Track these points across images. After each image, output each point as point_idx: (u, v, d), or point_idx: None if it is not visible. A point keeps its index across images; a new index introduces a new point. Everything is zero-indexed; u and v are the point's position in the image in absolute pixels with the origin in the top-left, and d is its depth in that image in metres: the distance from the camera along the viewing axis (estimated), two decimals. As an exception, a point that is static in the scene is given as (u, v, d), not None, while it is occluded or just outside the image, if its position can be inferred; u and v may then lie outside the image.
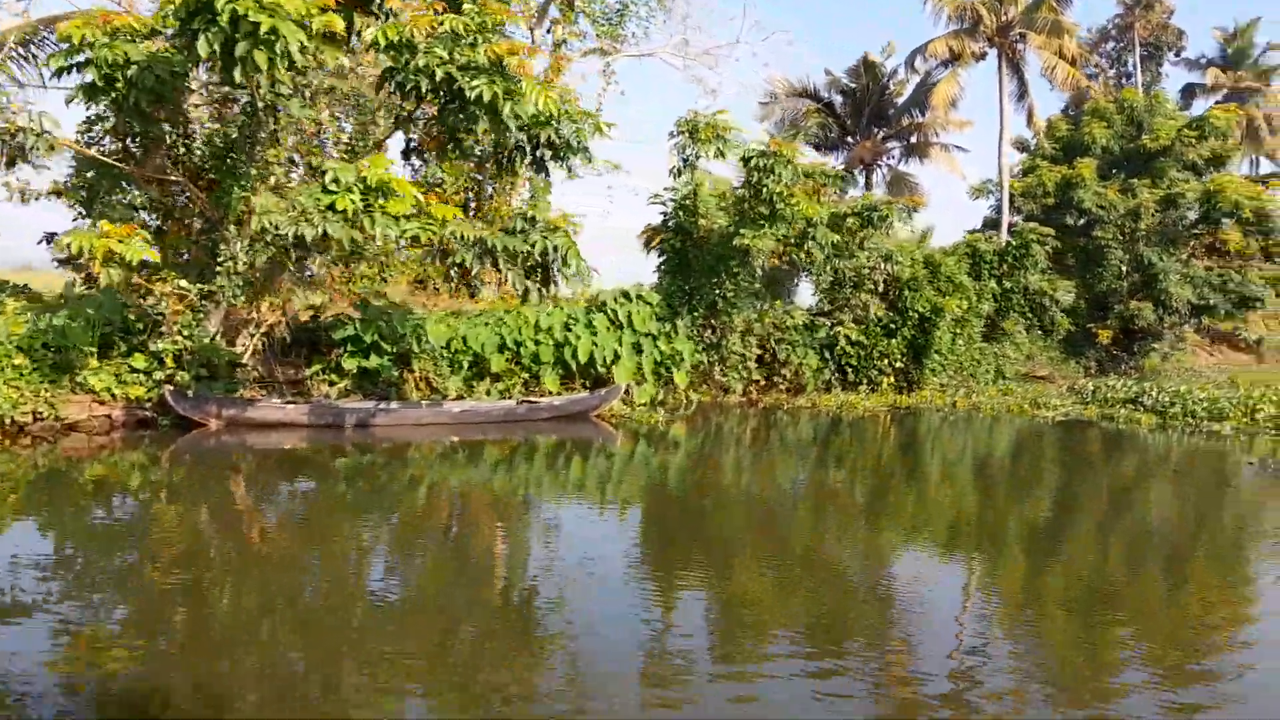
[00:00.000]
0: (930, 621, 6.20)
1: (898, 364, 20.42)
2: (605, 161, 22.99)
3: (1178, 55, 46.70)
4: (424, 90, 10.21)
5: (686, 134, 16.89)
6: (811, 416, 17.90)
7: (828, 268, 18.68)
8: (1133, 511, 11.03)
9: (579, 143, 11.60)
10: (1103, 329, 28.41)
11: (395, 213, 10.13)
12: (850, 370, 20.50)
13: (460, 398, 15.05)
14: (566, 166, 11.90)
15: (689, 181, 18.47)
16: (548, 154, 11.33)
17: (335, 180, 9.48)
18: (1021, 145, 33.18)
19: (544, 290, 12.03)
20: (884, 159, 32.51)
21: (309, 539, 8.15)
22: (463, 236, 9.97)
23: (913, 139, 32.43)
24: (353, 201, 9.42)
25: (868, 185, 32.47)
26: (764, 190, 16.76)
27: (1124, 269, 29.31)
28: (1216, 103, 46.71)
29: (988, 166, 29.18)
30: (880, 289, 19.86)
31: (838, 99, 32.36)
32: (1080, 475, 13.64)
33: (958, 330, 21.18)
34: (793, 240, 17.61)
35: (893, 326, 20.41)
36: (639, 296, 17.67)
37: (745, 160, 17.13)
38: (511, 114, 10.08)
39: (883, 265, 19.38)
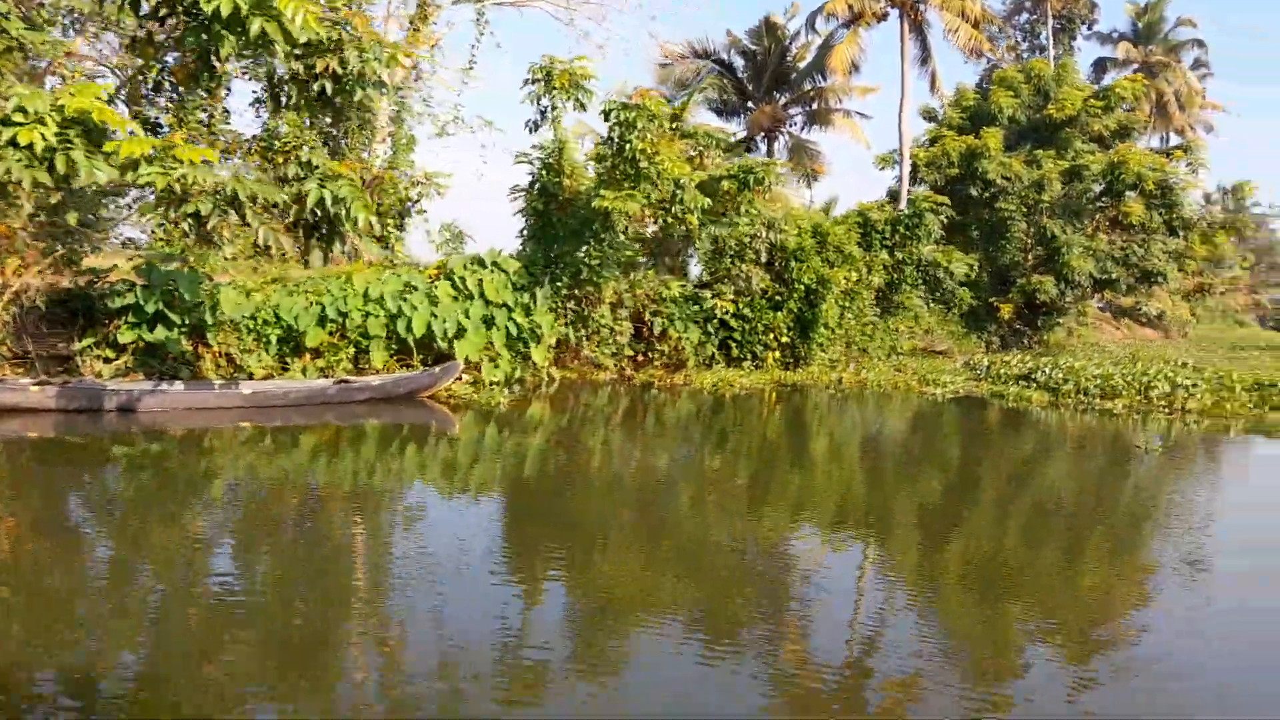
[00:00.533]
0: (798, 608, 6.09)
1: (784, 339, 19.12)
2: (480, 119, 21.00)
3: (1090, 29, 46.49)
4: (154, 5, 8.33)
5: (541, 82, 15.14)
6: (685, 395, 16.47)
7: (703, 235, 17.18)
8: (1007, 492, 9.85)
9: (374, 77, 9.80)
10: (1004, 303, 27.67)
11: (130, 154, 8.21)
12: (734, 345, 19.14)
13: (269, 377, 13.18)
14: (353, 104, 10.10)
15: (555, 139, 16.76)
16: (329, 86, 9.53)
17: (20, 109, 7.59)
18: (929, 115, 32.21)
19: (328, 251, 10.26)
20: (786, 126, 31.18)
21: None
22: (195, 181, 8.12)
23: (815, 105, 31.12)
24: (43, 136, 7.54)
25: (769, 153, 31.12)
26: (627, 147, 15.14)
27: (1028, 242, 28.62)
28: (1126, 77, 46.69)
29: (895, 135, 28.28)
30: (763, 259, 18.47)
31: (739, 61, 30.87)
32: (957, 456, 12.49)
33: (847, 303, 19.97)
34: (663, 204, 16.06)
35: (778, 299, 19.09)
36: (494, 264, 15.95)
37: (606, 114, 15.47)
38: (266, 34, 8.24)
39: (765, 233, 17.97)
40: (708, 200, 16.11)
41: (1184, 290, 31.68)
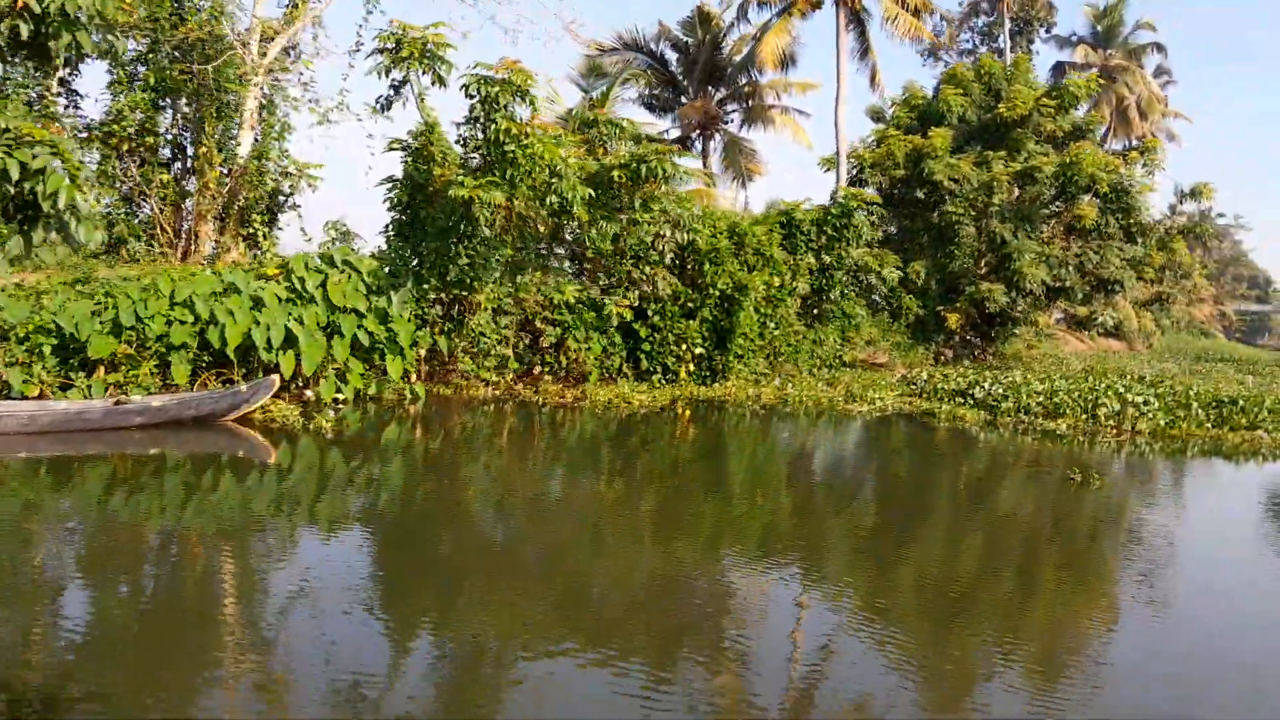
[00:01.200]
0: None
1: (698, 350, 17.08)
2: (369, 106, 18.89)
3: (1048, 31, 45.20)
4: None
5: (389, 50, 13.03)
6: (572, 413, 14.36)
7: (594, 232, 15.12)
8: (860, 549, 7.78)
9: (94, 17, 7.69)
10: (951, 312, 25.87)
11: None
12: (644, 357, 17.08)
13: (42, 396, 10.93)
14: (71, 50, 7.98)
15: (422, 121, 14.67)
16: (24, 28, 7.44)
17: None
18: (877, 115, 30.49)
19: (29, 240, 8.07)
20: (721, 123, 29.27)
21: None
22: None
23: (751, 102, 29.23)
24: None
25: (704, 153, 29.21)
26: (491, 128, 13.07)
27: (979, 248, 26.87)
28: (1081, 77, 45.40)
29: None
30: (667, 261, 16.44)
31: (671, 54, 28.99)
32: (861, 490, 10.46)
33: (769, 311, 17.97)
34: (540, 195, 13.97)
35: (691, 306, 17.06)
36: (345, 263, 13.78)
37: (467, 89, 13.39)
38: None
39: (671, 233, 15.94)
40: (590, 191, 14.06)
41: (1142, 299, 30.05)
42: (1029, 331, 31.15)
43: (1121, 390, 16.47)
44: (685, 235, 16.05)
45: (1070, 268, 26.19)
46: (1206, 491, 11.90)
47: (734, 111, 29.57)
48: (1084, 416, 15.38)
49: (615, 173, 14.74)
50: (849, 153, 28.57)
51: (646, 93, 28.72)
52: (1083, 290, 26.51)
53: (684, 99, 28.84)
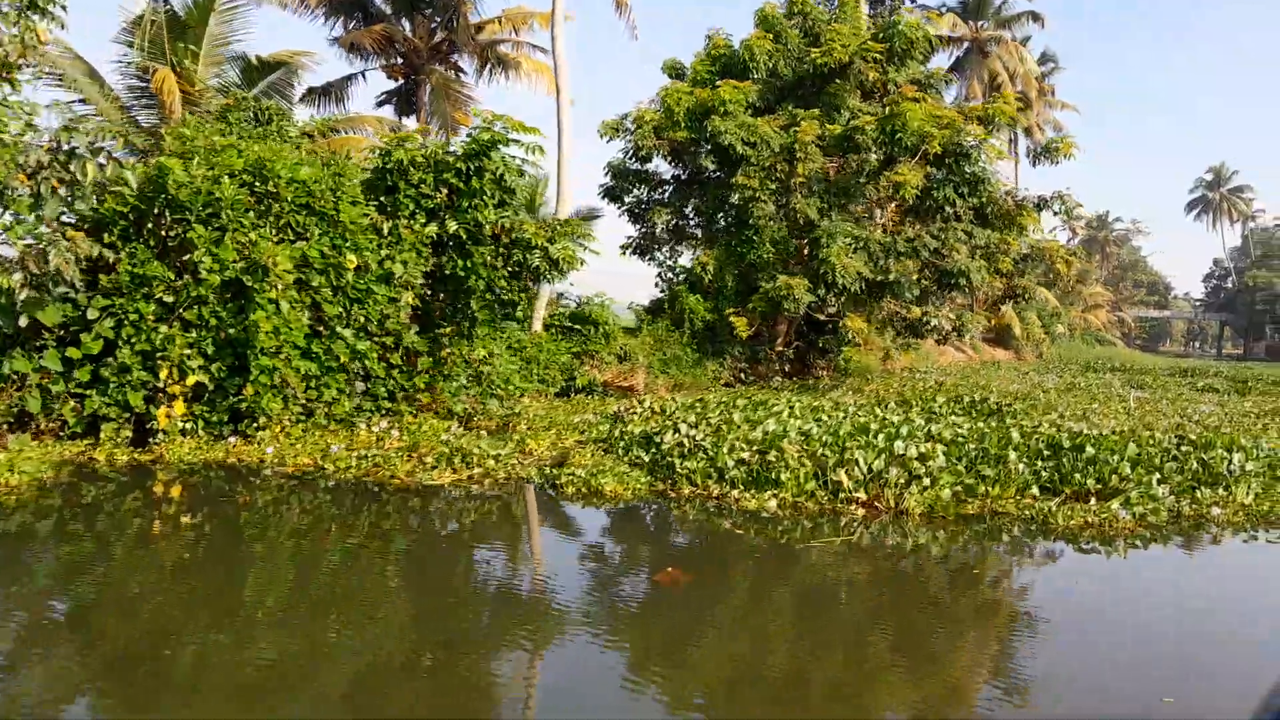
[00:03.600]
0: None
1: (194, 377, 9.87)
2: None
3: (914, 1, 39.51)
4: None
5: None
6: None
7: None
8: None
9: None
10: (738, 316, 19.24)
11: None
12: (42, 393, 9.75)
13: None
14: None
15: None
16: None
17: None
18: (675, 70, 23.87)
19: None
20: (434, 63, 22.22)
21: None
22: None
23: (478, 36, 22.27)
24: None
25: (415, 101, 22.13)
26: None
27: (781, 231, 20.32)
28: (959, 57, 39.95)
29: (628, 94, 18.14)
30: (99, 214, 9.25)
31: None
32: None
33: (340, 310, 10.82)
34: None
35: (172, 300, 9.90)
36: None
37: None
38: None
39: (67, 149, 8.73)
40: None
41: (992, 297, 23.93)
42: (883, 338, 24.79)
43: (903, 437, 9.78)
44: (109, 169, 8.84)
45: (900, 257, 19.82)
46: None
47: (458, 53, 22.56)
48: (814, 485, 8.61)
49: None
50: (634, 115, 21.84)
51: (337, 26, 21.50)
52: (917, 285, 20.13)
53: (396, 42, 21.73)
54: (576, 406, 14.58)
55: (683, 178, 22.89)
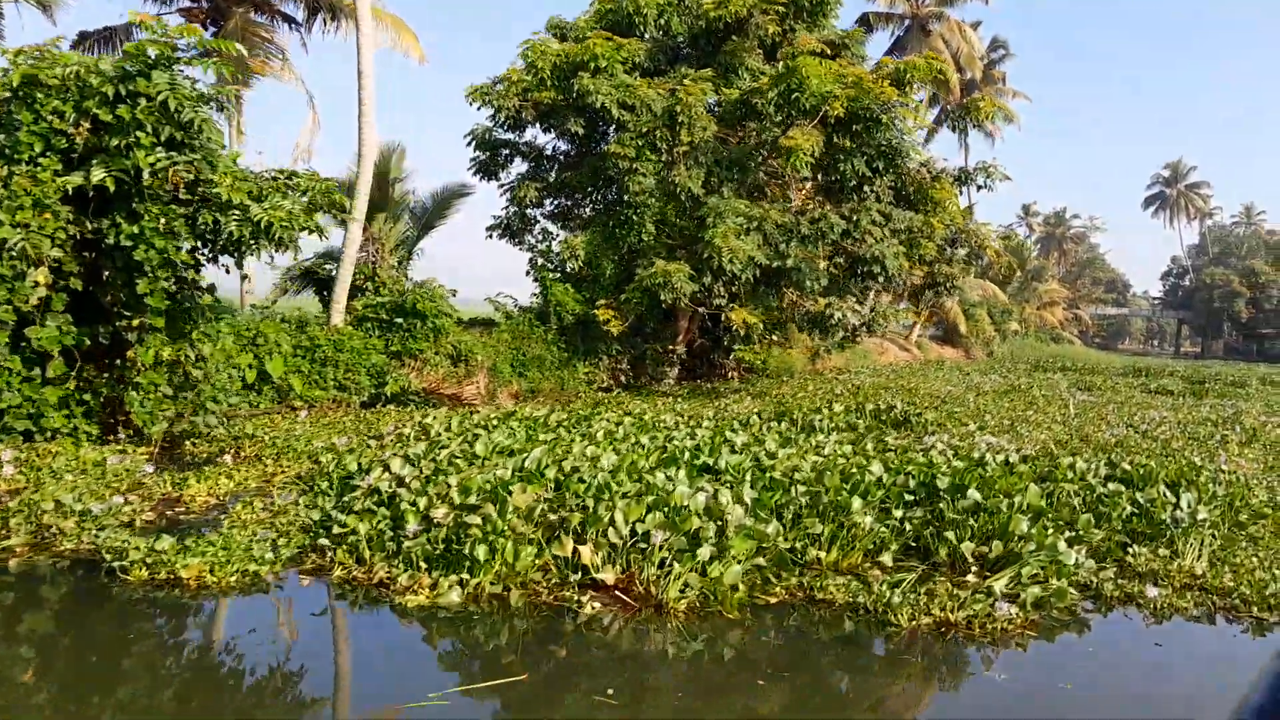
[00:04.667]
0: None
1: None
2: None
3: (850, -26, 36.73)
4: None
5: None
6: None
7: None
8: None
9: None
10: (605, 309, 16.16)
11: None
12: None
13: None
14: None
15: None
16: None
17: None
18: (559, 29, 20.65)
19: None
20: (258, 9, 18.90)
21: None
22: None
23: None
24: None
25: (218, 35, 18.85)
26: None
27: (663, 210, 17.24)
28: (899, 36, 37.25)
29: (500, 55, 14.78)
30: None
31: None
32: None
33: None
34: None
35: None
36: None
37: None
38: None
39: None
40: None
41: (910, 286, 21.03)
42: (812, 336, 21.72)
43: (695, 478, 6.72)
44: None
45: (804, 240, 16.82)
46: None
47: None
48: (534, 561, 5.50)
49: None
50: (502, 77, 18.64)
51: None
52: (824, 274, 17.14)
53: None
54: (362, 422, 11.37)
55: (568, 150, 19.79)
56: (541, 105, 17.71)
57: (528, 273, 18.52)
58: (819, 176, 18.48)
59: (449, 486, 6.06)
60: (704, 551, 5.46)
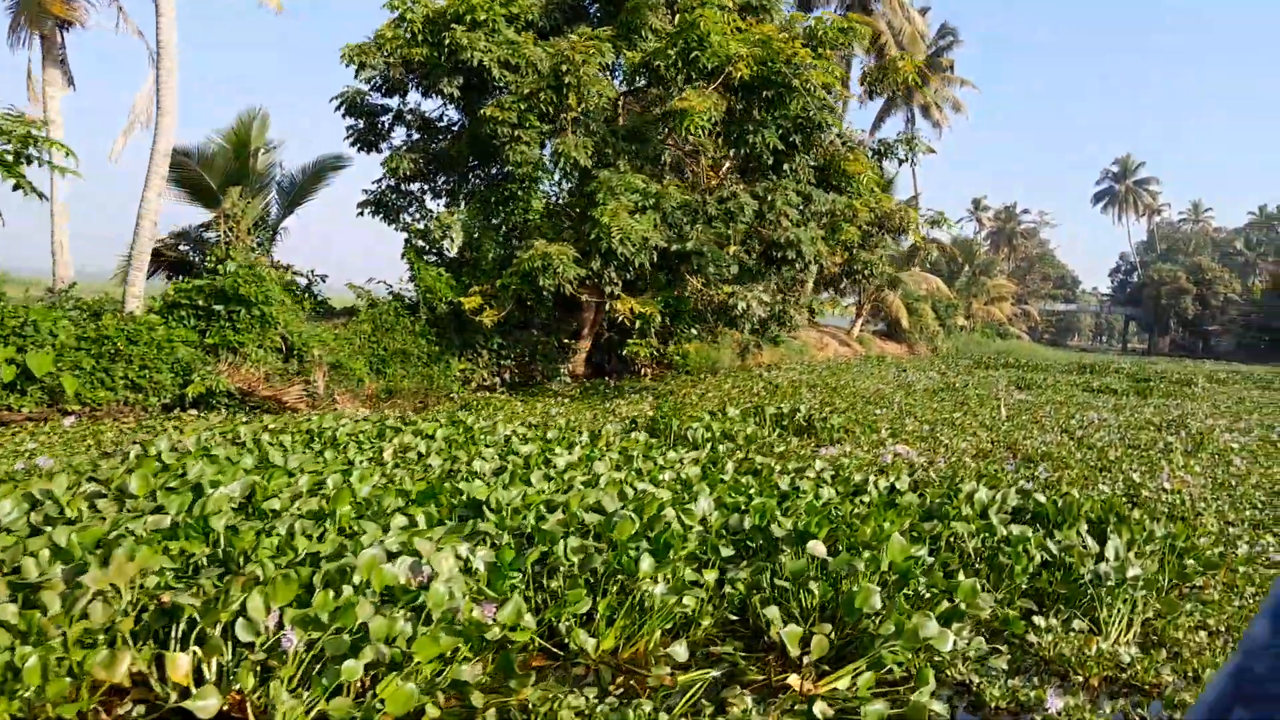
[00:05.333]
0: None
1: None
2: None
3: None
4: None
5: None
6: None
7: None
8: None
9: None
10: (476, 297, 14.10)
11: None
12: None
13: None
14: None
15: None
16: None
17: None
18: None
19: None
20: None
21: None
22: None
23: None
24: None
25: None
26: None
27: (561, 186, 15.21)
28: (841, 13, 35.44)
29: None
30: None
31: None
32: None
33: None
34: None
35: None
36: None
37: None
38: None
39: None
40: None
41: (826, 275, 19.23)
42: (745, 331, 19.83)
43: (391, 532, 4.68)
44: None
45: (710, 222, 14.88)
46: None
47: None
48: (64, 684, 3.38)
49: None
50: (379, 34, 16.42)
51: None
52: (734, 260, 15.22)
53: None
54: (132, 433, 9.19)
55: (460, 120, 17.65)
56: (414, 64, 15.56)
57: (403, 255, 16.36)
58: (733, 154, 16.58)
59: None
60: (360, 661, 3.44)
